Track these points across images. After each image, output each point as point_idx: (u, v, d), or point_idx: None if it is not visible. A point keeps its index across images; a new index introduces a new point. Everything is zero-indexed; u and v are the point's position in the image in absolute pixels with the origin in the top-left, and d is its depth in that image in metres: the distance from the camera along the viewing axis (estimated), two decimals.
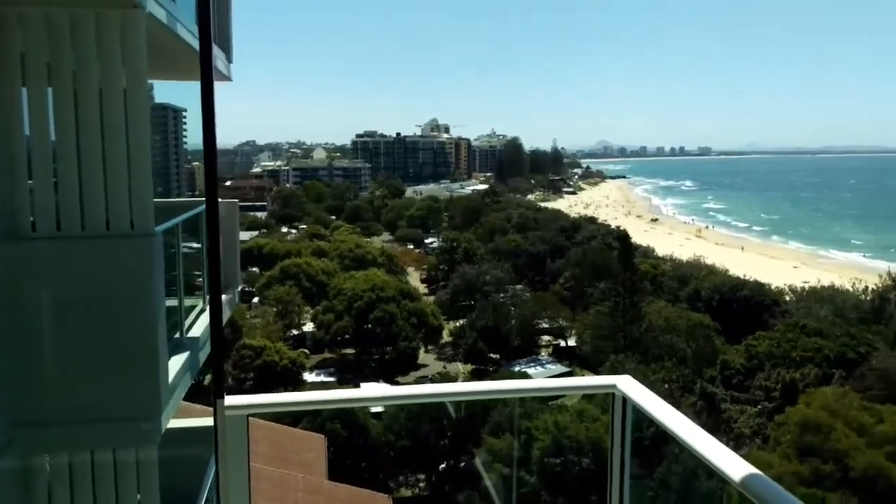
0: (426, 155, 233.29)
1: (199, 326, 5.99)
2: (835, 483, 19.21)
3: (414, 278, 69.13)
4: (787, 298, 46.46)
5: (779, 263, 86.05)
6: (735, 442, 26.02)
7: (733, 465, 2.17)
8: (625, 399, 3.03)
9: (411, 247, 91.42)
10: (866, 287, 43.52)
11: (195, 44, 4.88)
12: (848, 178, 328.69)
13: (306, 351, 47.33)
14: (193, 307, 6.36)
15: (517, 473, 24.48)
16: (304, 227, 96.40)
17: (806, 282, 52.82)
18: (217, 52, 6.38)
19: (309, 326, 50.84)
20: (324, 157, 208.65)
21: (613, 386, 3.09)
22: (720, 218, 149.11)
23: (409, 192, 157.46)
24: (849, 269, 74.54)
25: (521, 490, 24.13)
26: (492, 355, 46.99)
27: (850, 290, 44.17)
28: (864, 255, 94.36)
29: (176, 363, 4.32)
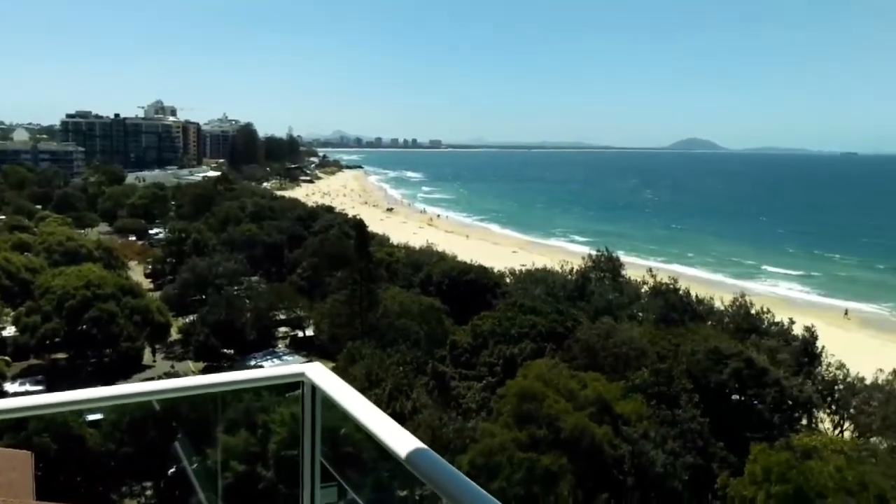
0: (150, 139, 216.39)
1: None
2: (548, 445, 21.16)
3: (137, 273, 63.95)
4: (508, 280, 50.40)
5: (500, 249, 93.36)
6: (463, 416, 27.61)
7: (402, 443, 2.23)
8: (314, 387, 2.94)
9: (133, 238, 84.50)
10: (572, 268, 48.55)
11: None
12: (567, 171, 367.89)
13: (7, 358, 41.58)
14: None
15: (254, 469, 23.73)
16: (3, 217, 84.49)
17: (523, 265, 57.82)
18: None
19: (10, 330, 44.64)
20: (27, 139, 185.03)
21: (302, 374, 2.97)
22: (449, 208, 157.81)
23: (131, 178, 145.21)
24: (558, 252, 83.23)
25: (259, 486, 23.42)
26: (226, 351, 45.07)
27: (559, 271, 49.00)
28: (572, 241, 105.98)
29: None
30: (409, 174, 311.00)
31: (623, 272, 46.87)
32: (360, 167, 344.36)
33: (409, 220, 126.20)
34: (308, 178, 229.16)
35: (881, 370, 27.07)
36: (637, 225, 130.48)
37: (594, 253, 48.26)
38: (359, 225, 51.84)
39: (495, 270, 51.45)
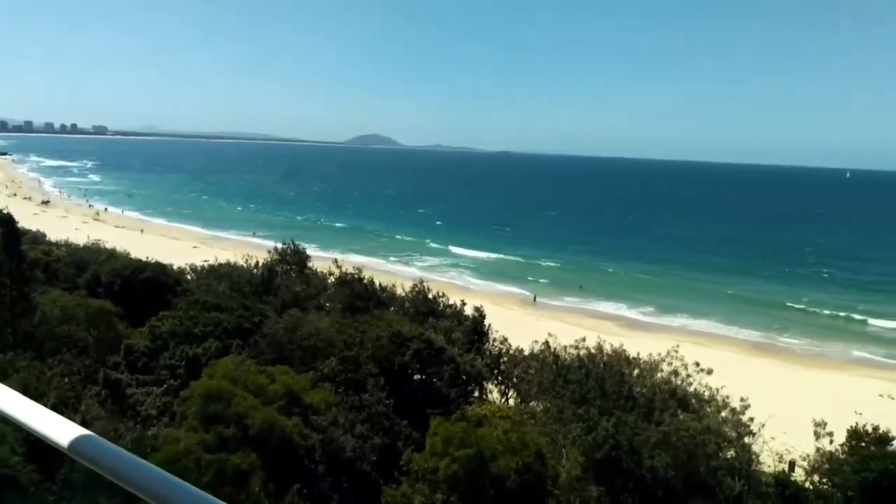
0: None
1: None
2: (237, 443, 20.49)
3: None
4: (189, 277, 47.71)
5: (180, 244, 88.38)
6: (143, 424, 25.58)
7: (62, 430, 2.02)
8: None
9: None
10: (257, 262, 47.53)
11: None
12: (256, 162, 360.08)
13: None
14: None
15: None
16: None
17: (206, 260, 55.21)
18: None
19: None
20: None
21: None
22: (119, 201, 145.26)
23: None
24: (242, 246, 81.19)
25: None
26: None
27: (245, 265, 47.65)
28: (255, 235, 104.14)
29: None
30: (70, 163, 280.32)
31: (309, 264, 47.17)
32: (5, 154, 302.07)
33: (70, 215, 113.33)
34: None
35: (536, 341, 30.86)
36: (309, 217, 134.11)
37: (280, 245, 47.78)
38: (6, 220, 44.89)
39: (175, 267, 48.41)
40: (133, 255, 53.59)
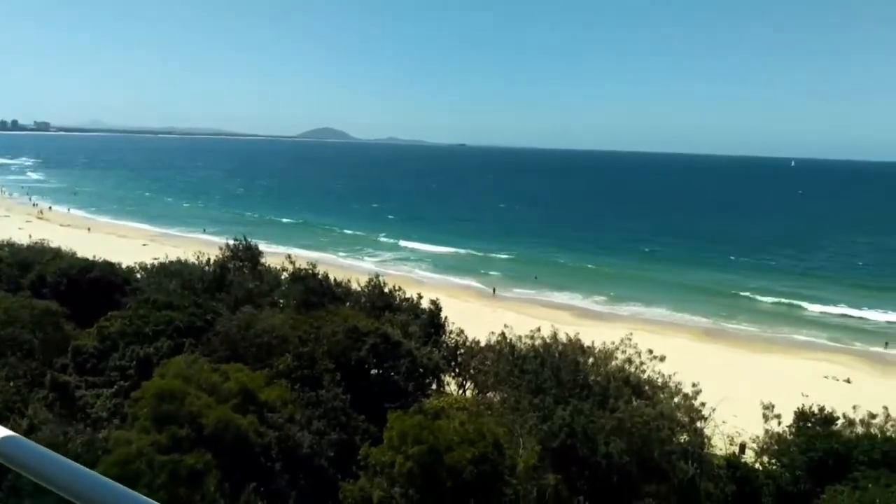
0: None
1: None
2: (191, 443, 20.15)
3: None
4: (138, 276, 46.61)
5: (129, 242, 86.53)
6: (93, 427, 24.96)
7: None
8: None
9: None
10: (209, 259, 46.66)
11: None
12: (197, 159, 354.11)
13: None
14: None
15: None
16: None
17: (156, 258, 54.02)
18: None
19: None
20: None
21: None
22: (65, 199, 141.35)
23: None
24: (193, 243, 79.82)
25: None
26: None
27: (196, 262, 46.70)
28: (205, 231, 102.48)
29: None
30: (9, 161, 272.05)
31: (262, 260, 46.57)
32: None
33: (12, 214, 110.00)
34: None
35: (493, 333, 31.04)
36: (258, 212, 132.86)
37: (232, 242, 47.02)
38: None
39: (124, 266, 47.27)
40: (80, 254, 52.12)
